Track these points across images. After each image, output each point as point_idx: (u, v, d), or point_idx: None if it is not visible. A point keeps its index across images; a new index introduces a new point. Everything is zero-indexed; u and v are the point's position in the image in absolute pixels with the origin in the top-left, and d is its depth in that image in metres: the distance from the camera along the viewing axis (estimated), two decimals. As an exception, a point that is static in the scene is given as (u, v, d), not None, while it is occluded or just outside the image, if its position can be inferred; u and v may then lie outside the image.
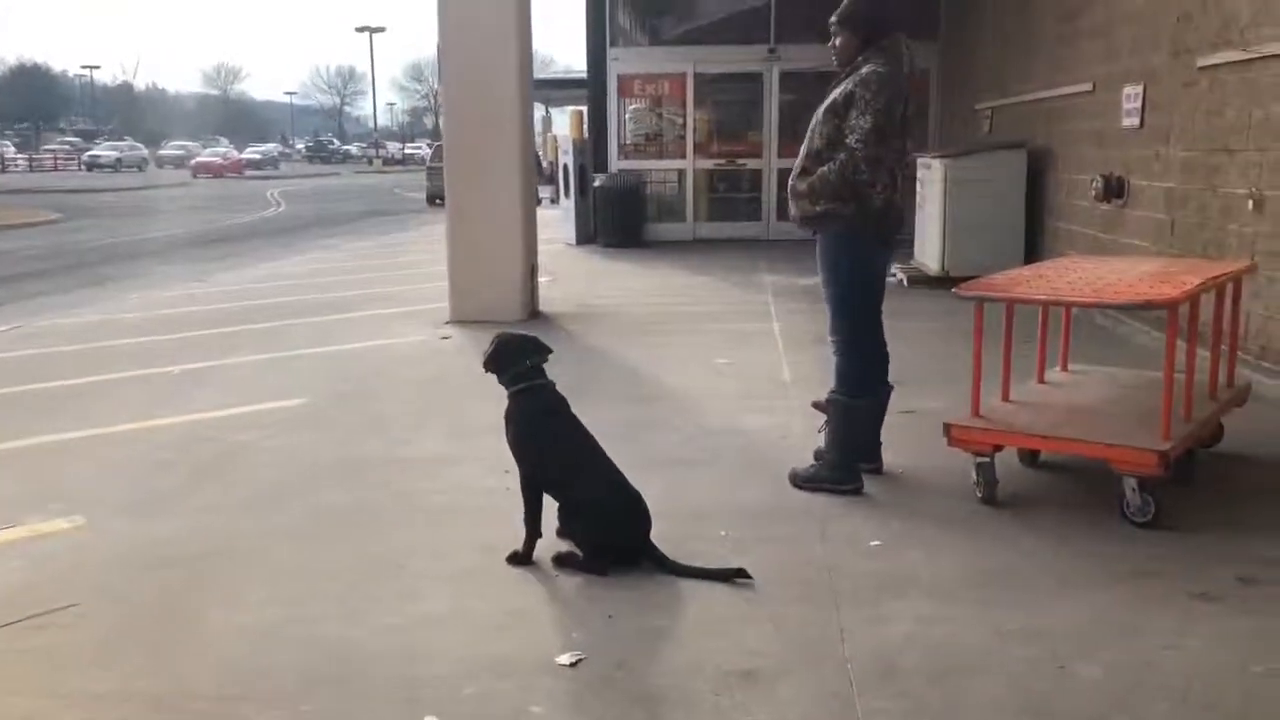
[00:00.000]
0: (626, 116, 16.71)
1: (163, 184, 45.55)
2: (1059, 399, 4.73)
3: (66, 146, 67.70)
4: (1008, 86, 11.90)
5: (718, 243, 15.54)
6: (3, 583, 3.73)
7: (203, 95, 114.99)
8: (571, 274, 12.47)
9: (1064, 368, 5.27)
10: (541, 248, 15.90)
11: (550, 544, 3.85)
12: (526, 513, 3.84)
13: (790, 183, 4.67)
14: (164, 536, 4.16)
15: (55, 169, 58.56)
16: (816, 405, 4.99)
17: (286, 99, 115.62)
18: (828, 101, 4.49)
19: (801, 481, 4.64)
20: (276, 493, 4.69)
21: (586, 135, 16.34)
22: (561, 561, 3.80)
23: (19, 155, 64.05)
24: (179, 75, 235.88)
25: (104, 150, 60.77)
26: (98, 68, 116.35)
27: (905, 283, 10.78)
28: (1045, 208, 10.63)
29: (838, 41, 4.54)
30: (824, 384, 5.05)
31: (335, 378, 6.95)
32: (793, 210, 4.69)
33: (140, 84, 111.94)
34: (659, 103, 16.55)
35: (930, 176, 10.97)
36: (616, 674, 3.03)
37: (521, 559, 3.83)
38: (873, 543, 3.99)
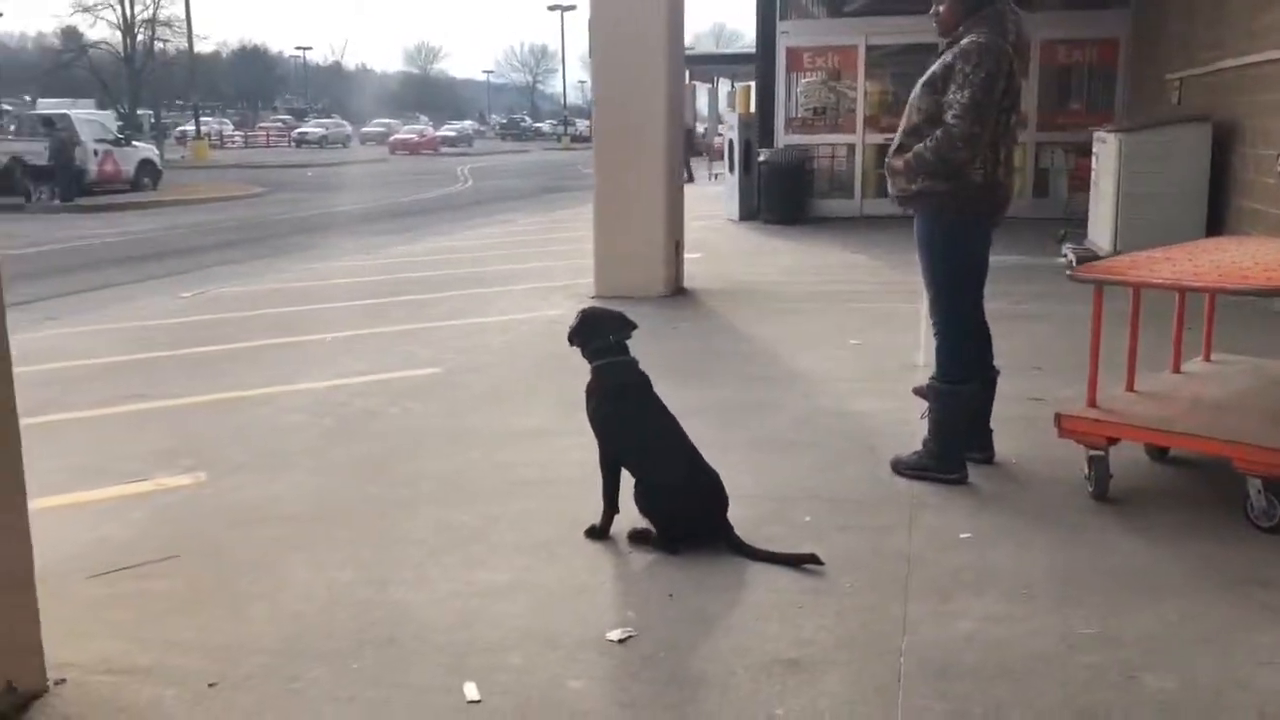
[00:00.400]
0: (797, 91, 16.46)
1: (361, 160, 47.67)
2: (1188, 390, 4.41)
3: (279, 124, 71.56)
4: (1196, 55, 11.10)
5: (885, 219, 15.06)
6: (120, 533, 3.99)
7: (405, 74, 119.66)
8: (727, 250, 12.40)
9: (1206, 357, 4.90)
10: (702, 224, 16.04)
11: (631, 519, 3.84)
12: (605, 488, 3.85)
13: (887, 159, 4.52)
14: (272, 495, 4.37)
15: (268, 145, 62.06)
16: (917, 391, 4.82)
17: (484, 77, 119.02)
18: (927, 75, 4.30)
19: (904, 469, 4.48)
20: (384, 458, 4.85)
21: (754, 110, 16.18)
22: (636, 538, 3.79)
23: (236, 133, 68.17)
24: (385, 55, 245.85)
25: (311, 127, 64.17)
26: (310, 49, 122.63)
27: (1075, 264, 10.25)
28: (1231, 185, 9.88)
29: (939, 9, 4.32)
30: None
31: (468, 349, 7.13)
32: (890, 188, 4.54)
33: (350, 64, 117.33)
34: (829, 76, 16.22)
35: (1105, 152, 10.39)
36: (661, 654, 3.01)
37: (598, 534, 3.84)
38: (962, 535, 3.82)
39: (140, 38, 48.69)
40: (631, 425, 3.86)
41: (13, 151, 23.63)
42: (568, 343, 4.00)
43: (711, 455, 4.73)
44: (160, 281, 11.66)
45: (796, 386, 5.77)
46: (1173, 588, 3.36)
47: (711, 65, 34.61)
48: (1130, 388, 4.43)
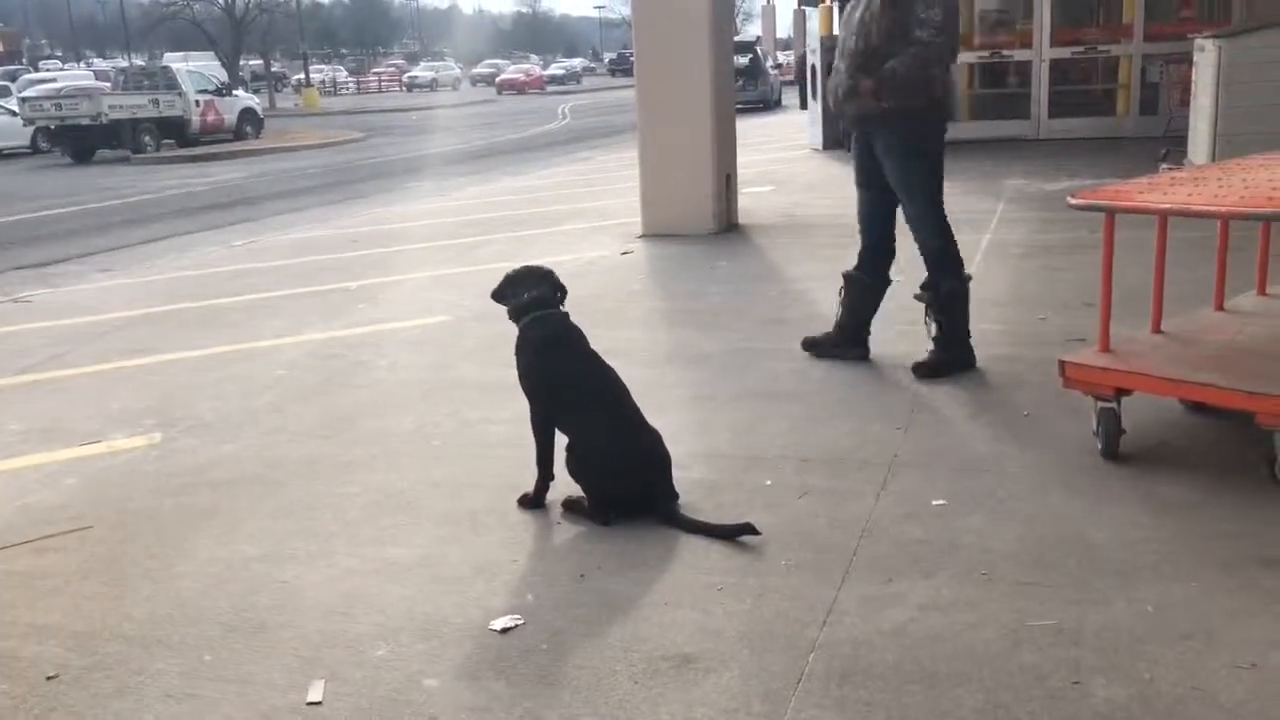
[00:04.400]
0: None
1: (468, 101, 47.75)
2: (1224, 333, 3.81)
3: (392, 69, 72.24)
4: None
5: (975, 144, 14.19)
6: (46, 501, 3.82)
7: (517, 14, 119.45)
8: (795, 182, 11.81)
9: (1261, 291, 4.28)
10: (782, 154, 15.41)
11: (570, 486, 3.49)
12: (538, 453, 3.51)
13: (842, 81, 4.46)
14: (218, 459, 4.15)
15: (380, 90, 62.70)
16: (918, 297, 4.79)
17: (595, 14, 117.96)
18: None
19: (941, 368, 4.61)
20: (351, 415, 4.59)
21: (835, 31, 15.35)
22: (569, 507, 3.45)
23: (350, 79, 69.05)
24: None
25: (421, 71, 64.62)
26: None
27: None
28: (1347, 93, 8.87)
29: None
30: (1007, 304, 5.76)
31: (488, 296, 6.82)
32: (847, 110, 4.49)
33: (465, 7, 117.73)
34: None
35: (1204, 61, 9.43)
36: (543, 646, 2.67)
37: (532, 502, 3.51)
38: (935, 502, 3.36)
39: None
40: (561, 381, 3.49)
41: (120, 104, 24.14)
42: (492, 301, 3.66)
43: (693, 409, 4.42)
44: (223, 231, 11.65)
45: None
46: (1161, 569, 2.86)
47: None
48: (1156, 328, 3.86)
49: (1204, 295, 4.29)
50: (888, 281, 4.93)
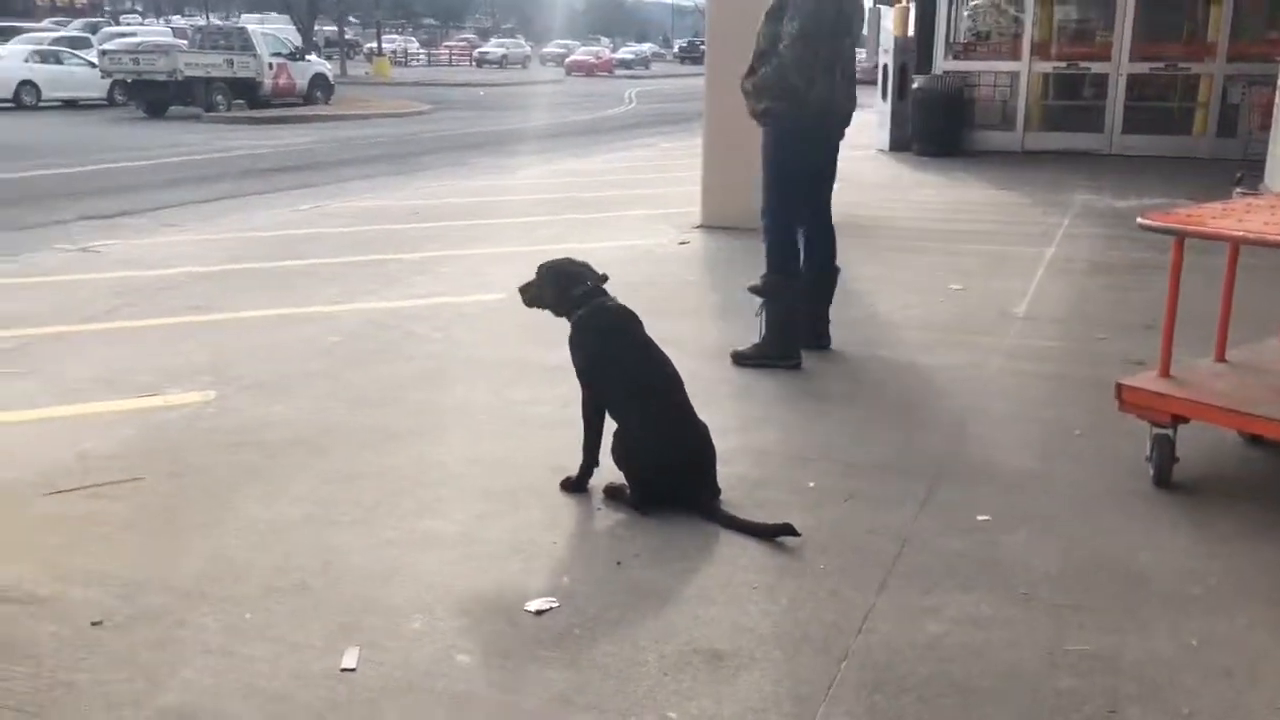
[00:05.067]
0: (964, 12, 15.39)
1: (536, 80, 47.79)
2: (1291, 365, 3.73)
3: (463, 43, 72.49)
4: None
5: (1047, 155, 14.09)
6: (101, 448, 3.90)
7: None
8: (863, 183, 11.67)
9: (1335, 325, 4.18)
10: (850, 152, 15.23)
11: (614, 473, 3.49)
12: (585, 439, 3.52)
13: (740, 82, 4.90)
14: (271, 419, 4.21)
15: (450, 64, 62.97)
16: (752, 289, 4.99)
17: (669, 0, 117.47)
18: (770, 4, 4.69)
19: (744, 360, 4.86)
20: (401, 385, 4.64)
21: (911, 33, 15.19)
22: (611, 494, 3.46)
23: (421, 51, 69.41)
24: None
25: (491, 47, 64.72)
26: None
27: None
28: None
29: None
30: (1067, 321, 5.80)
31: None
32: (748, 108, 4.91)
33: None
34: (998, -2, 15.09)
35: (1287, 84, 9.21)
36: (576, 631, 2.69)
37: (575, 486, 3.52)
38: (980, 517, 3.33)
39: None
40: (617, 369, 3.49)
41: (195, 63, 24.50)
42: (526, 305, 3.68)
43: (741, 404, 4.41)
44: (287, 194, 11.78)
45: (870, 334, 5.27)
46: (1206, 602, 2.81)
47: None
48: (1220, 356, 3.79)
49: (1270, 326, 4.21)
50: (833, 270, 5.12)
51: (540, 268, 3.64)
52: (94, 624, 2.71)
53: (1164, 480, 3.50)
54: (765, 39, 4.74)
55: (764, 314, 4.90)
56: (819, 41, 4.60)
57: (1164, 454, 3.49)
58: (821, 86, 4.65)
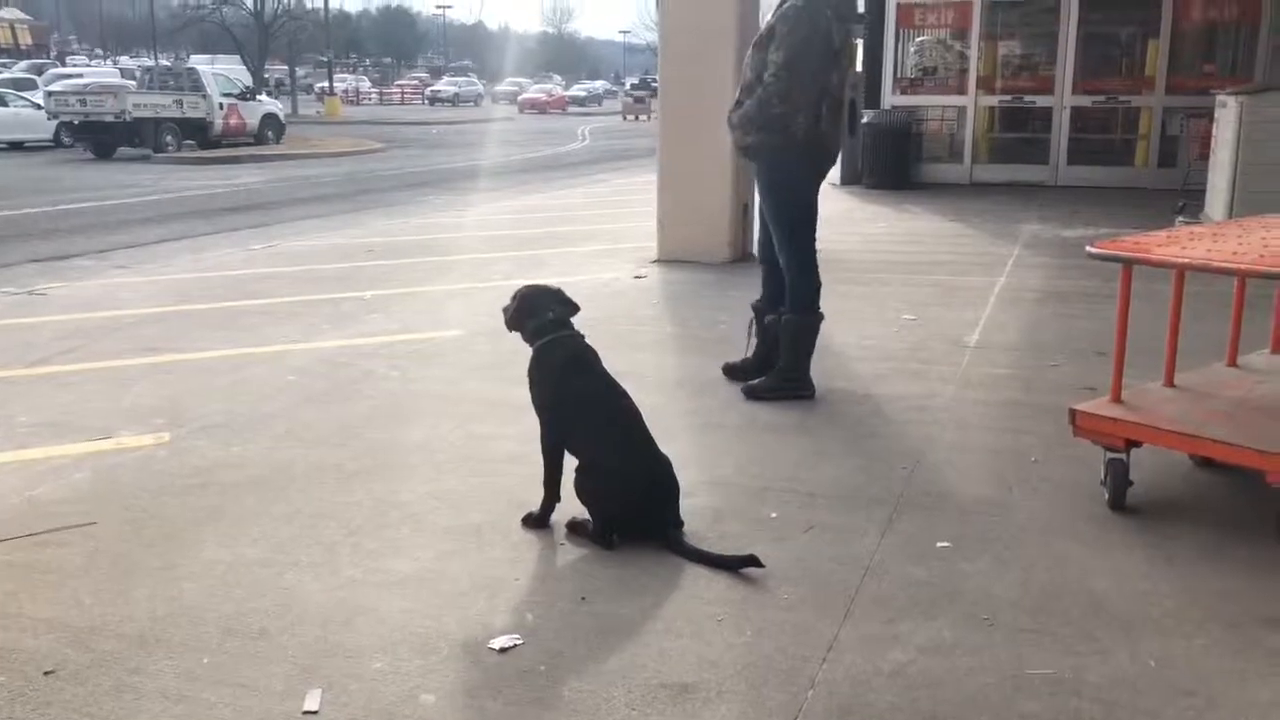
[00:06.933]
0: (910, 49, 15.66)
1: (488, 118, 47.95)
2: (1237, 389, 3.81)
3: (415, 82, 72.65)
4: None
5: (994, 187, 14.33)
6: (53, 494, 3.83)
7: (544, 34, 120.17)
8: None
9: (1276, 349, 4.28)
10: (802, 188, 15.43)
11: (577, 508, 3.48)
12: (546, 474, 3.51)
13: (727, 114, 4.81)
14: (228, 461, 4.16)
15: (402, 102, 63.09)
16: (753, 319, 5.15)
17: (620, 38, 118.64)
18: (758, 35, 4.65)
19: (763, 393, 4.83)
20: (359, 424, 4.60)
21: (860, 69, 15.43)
22: (574, 529, 3.45)
23: (373, 89, 69.46)
24: (525, 15, 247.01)
25: (443, 86, 64.94)
26: (450, 7, 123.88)
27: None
28: (1367, 156, 8.88)
29: None
30: (1019, 349, 5.85)
31: (499, 312, 6.83)
32: (733, 141, 4.88)
33: (491, 24, 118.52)
34: (941, 34, 15.36)
35: (1224, 117, 9.48)
36: (541, 667, 2.67)
37: (536, 522, 3.51)
38: (940, 544, 3.36)
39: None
40: (576, 403, 3.49)
41: (144, 104, 24.31)
42: (506, 328, 3.68)
43: (701, 436, 4.43)
44: (240, 234, 11.72)
45: (819, 366, 5.30)
46: (1164, 624, 2.85)
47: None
48: (1169, 382, 3.86)
49: (1217, 350, 4.30)
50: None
51: (515, 293, 3.65)
52: (46, 673, 2.65)
53: (1119, 504, 3.55)
54: (752, 69, 4.67)
55: (764, 343, 5.01)
56: (806, 73, 4.52)
57: (1118, 478, 3.55)
58: (806, 119, 4.56)
